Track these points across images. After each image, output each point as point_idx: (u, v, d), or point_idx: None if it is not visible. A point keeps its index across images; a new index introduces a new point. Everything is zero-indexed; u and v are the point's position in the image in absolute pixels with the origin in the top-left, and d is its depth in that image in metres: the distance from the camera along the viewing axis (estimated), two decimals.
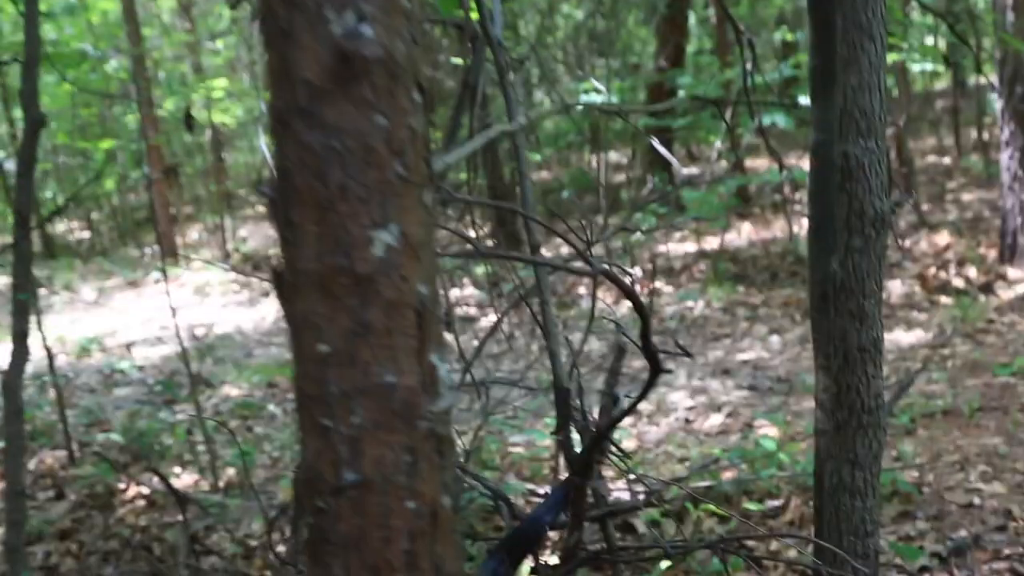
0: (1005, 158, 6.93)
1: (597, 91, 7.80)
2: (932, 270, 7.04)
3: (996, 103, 7.02)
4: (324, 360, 0.99)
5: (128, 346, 8.09)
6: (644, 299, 7.86)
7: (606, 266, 1.30)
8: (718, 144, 8.26)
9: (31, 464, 5.84)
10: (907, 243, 8.10)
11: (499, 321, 2.34)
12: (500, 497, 1.82)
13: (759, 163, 11.61)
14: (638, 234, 9.20)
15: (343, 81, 0.95)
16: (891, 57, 6.30)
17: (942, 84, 15.85)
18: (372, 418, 1.00)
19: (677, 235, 9.87)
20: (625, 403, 1.72)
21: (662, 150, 8.48)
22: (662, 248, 9.44)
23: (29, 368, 7.82)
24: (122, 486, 5.26)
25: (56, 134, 11.82)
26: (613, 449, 1.83)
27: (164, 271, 5.74)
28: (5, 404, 2.77)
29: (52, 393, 6.11)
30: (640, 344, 1.30)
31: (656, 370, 1.36)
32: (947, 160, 11.97)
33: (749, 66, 3.31)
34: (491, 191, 10.75)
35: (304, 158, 0.96)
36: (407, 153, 0.98)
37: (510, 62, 1.88)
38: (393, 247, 0.98)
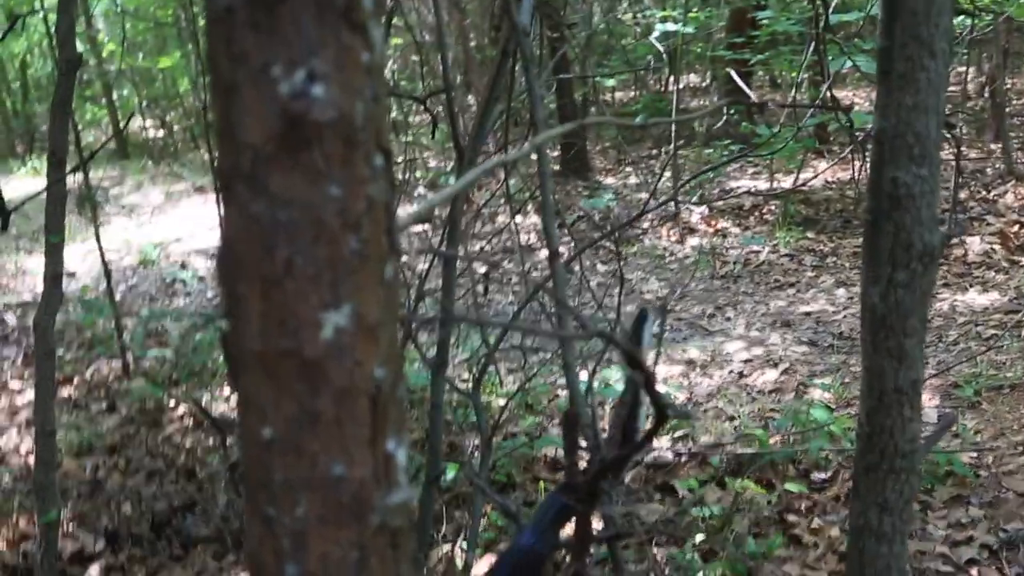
0: None
1: (674, 20, 7.50)
2: (1016, 227, 6.72)
3: None
4: (268, 446, 0.90)
5: (183, 263, 8.15)
6: (712, 240, 7.67)
7: (606, 329, 1.18)
8: (800, 78, 7.89)
9: (87, 374, 5.96)
10: (992, 195, 7.74)
11: (519, 312, 2.24)
12: (509, 514, 1.74)
13: (847, 98, 11.15)
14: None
15: (291, 147, 0.84)
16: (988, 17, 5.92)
17: None
18: (318, 511, 0.91)
19: (750, 171, 9.59)
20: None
21: (739, 82, 8.19)
22: (732, 183, 9.18)
23: (89, 274, 7.96)
24: (172, 404, 5.34)
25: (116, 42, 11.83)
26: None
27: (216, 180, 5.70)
28: (36, 346, 2.77)
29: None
30: (648, 396, 1.19)
31: (662, 417, 1.25)
32: None
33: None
34: (560, 112, 10.53)
35: (249, 229, 0.86)
36: (364, 226, 0.87)
37: (539, 53, 1.73)
38: (345, 329, 0.88)
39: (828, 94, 4.17)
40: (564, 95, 10.56)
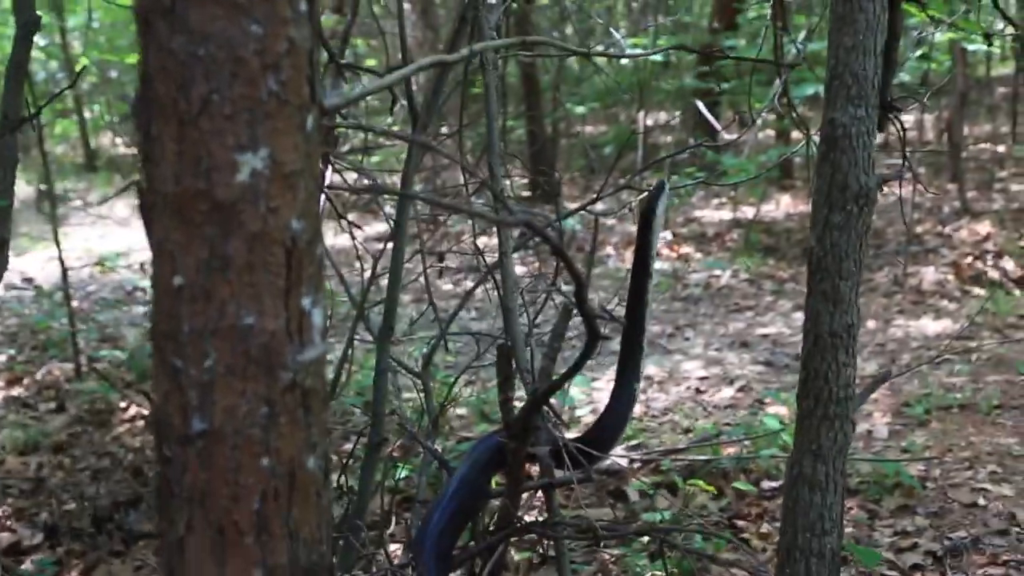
0: None
1: (644, 47, 7.59)
2: (969, 259, 6.81)
3: None
4: (178, 293, 0.89)
5: (142, 265, 8.08)
6: (675, 264, 7.72)
7: (530, 217, 1.18)
8: (763, 110, 7.99)
9: (39, 374, 5.87)
10: (947, 229, 7.85)
11: (474, 288, 2.23)
12: (440, 462, 1.72)
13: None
14: (674, 197, 9.01)
15: None
16: (947, 36, 6.06)
17: (1006, 69, 15.33)
18: (226, 362, 0.90)
19: (715, 201, 9.68)
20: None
21: (706, 113, 8.25)
22: (697, 213, 9.25)
23: (49, 280, 7.85)
24: (123, 405, 5.26)
25: (93, 49, 11.80)
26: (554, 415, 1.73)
27: None
28: None
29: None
30: (578, 308, 1.19)
31: (594, 336, 1.25)
32: (1001, 148, 11.58)
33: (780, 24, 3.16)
34: (530, 137, 10.59)
35: (166, 65, 0.85)
36: (283, 68, 0.87)
37: None
38: (261, 173, 0.87)
39: (790, 110, 4.20)
40: (535, 122, 10.63)
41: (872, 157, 1.46)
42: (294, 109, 0.88)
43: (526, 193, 10.43)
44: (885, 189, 2.12)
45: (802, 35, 7.68)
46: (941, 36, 6.37)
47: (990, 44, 3.19)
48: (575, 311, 1.51)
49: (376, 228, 9.00)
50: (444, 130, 3.36)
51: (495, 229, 2.50)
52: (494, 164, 1.55)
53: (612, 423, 1.91)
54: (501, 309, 1.66)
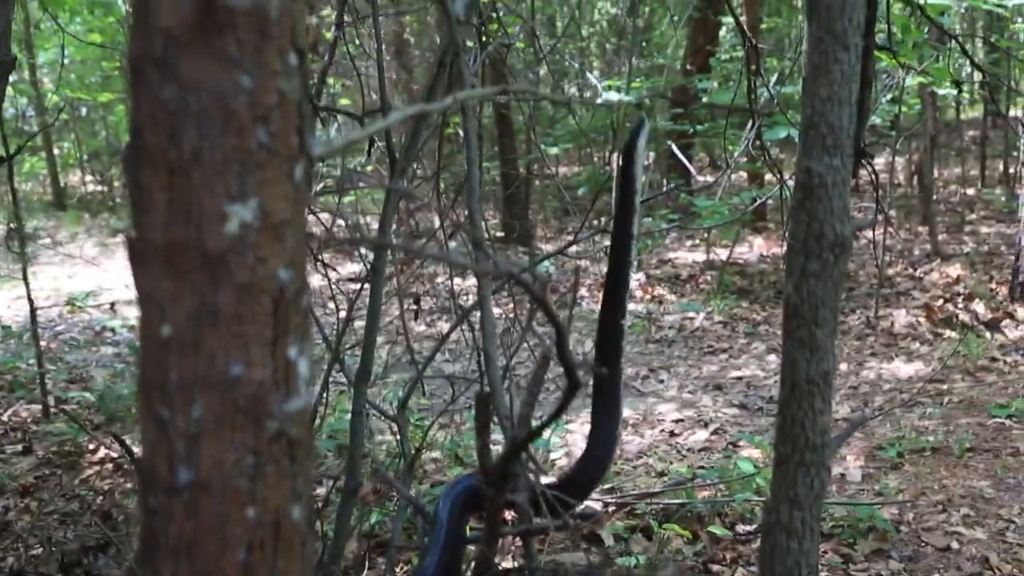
0: None
1: (618, 90, 7.67)
2: (940, 302, 6.89)
3: (1022, 138, 6.86)
4: (166, 343, 0.89)
5: (112, 304, 8.02)
6: (648, 306, 7.75)
7: (512, 268, 1.19)
8: (736, 155, 8.10)
9: (5, 416, 5.79)
10: (918, 272, 7.94)
11: (451, 330, 2.23)
12: (416, 507, 1.72)
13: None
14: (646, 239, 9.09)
15: (204, 32, 0.84)
16: (917, 80, 6.17)
17: (975, 113, 15.61)
18: (214, 413, 0.89)
19: (688, 243, 9.75)
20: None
21: (680, 156, 8.37)
22: (671, 255, 9.31)
23: (16, 320, 7.78)
24: (91, 447, 5.19)
25: (65, 86, 11.77)
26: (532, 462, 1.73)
27: None
28: None
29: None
30: (559, 357, 1.20)
31: (574, 385, 1.25)
32: (970, 191, 11.77)
33: (753, 67, 3.21)
34: (504, 181, 10.65)
35: (156, 115, 0.86)
36: (273, 119, 0.87)
37: (481, 42, 1.77)
38: (250, 224, 0.87)
39: (764, 155, 4.27)
40: (509, 163, 10.70)
41: (847, 206, 1.49)
42: (283, 160, 0.89)
43: (500, 234, 10.47)
44: (857, 232, 2.16)
45: (774, 78, 7.83)
46: (911, 80, 6.48)
47: (960, 91, 3.25)
48: (554, 358, 1.51)
49: (350, 268, 9.00)
50: (420, 172, 3.38)
51: (470, 271, 2.50)
52: (475, 211, 1.56)
53: (590, 468, 1.91)
54: (481, 354, 1.66)
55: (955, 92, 6.75)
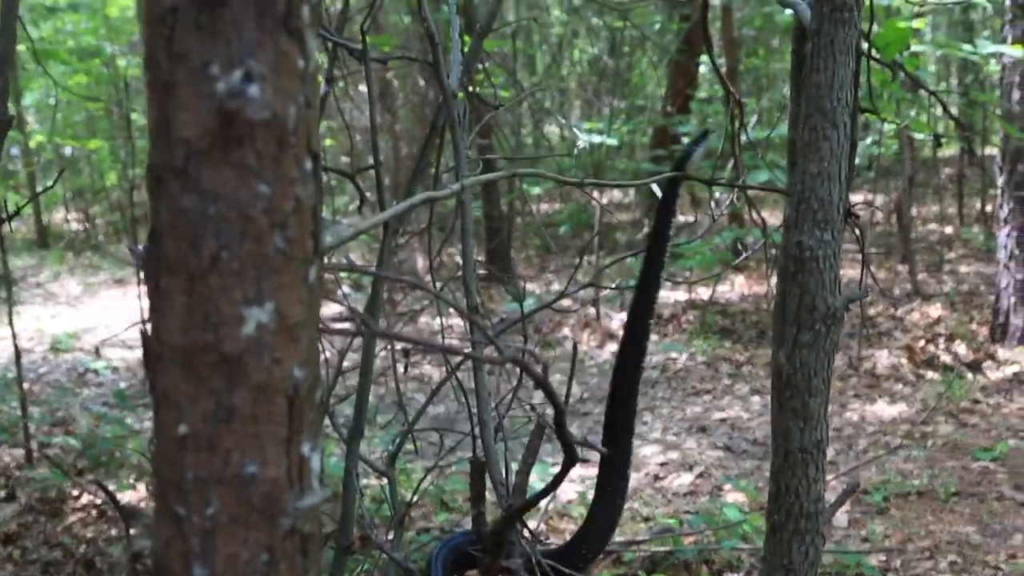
0: (1003, 236, 6.86)
1: (599, 131, 7.75)
2: (921, 343, 6.95)
3: (998, 178, 6.96)
4: (183, 442, 0.91)
5: (97, 349, 7.98)
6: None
7: (518, 354, 1.21)
8: (717, 195, 8.18)
9: None
10: (899, 312, 8.01)
11: (439, 388, 2.25)
12: (406, 572, 1.73)
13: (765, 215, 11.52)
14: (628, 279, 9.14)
15: (224, 144, 0.87)
16: (892, 125, 6.26)
17: (952, 151, 15.80)
18: (229, 510, 0.91)
19: (668, 283, 9.80)
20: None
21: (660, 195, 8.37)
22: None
23: (0, 361, 7.71)
24: (75, 493, 5.16)
25: (47, 133, 11.79)
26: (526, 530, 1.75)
27: (139, 271, 5.65)
28: None
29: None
30: (556, 434, 1.21)
31: (571, 459, 1.27)
32: (949, 229, 11.90)
33: (738, 124, 3.26)
34: (487, 220, 10.69)
35: (177, 223, 0.88)
36: (290, 226, 0.90)
37: (472, 110, 1.80)
38: (266, 326, 0.90)
39: (747, 204, 4.31)
40: (491, 203, 10.74)
41: (837, 279, 1.52)
42: (299, 263, 0.92)
43: (482, 271, 10.51)
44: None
45: (753, 119, 7.87)
46: (890, 126, 6.58)
47: (939, 145, 3.31)
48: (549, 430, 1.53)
49: (331, 308, 9.00)
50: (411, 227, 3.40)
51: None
52: (470, 285, 1.59)
53: (591, 540, 1.92)
54: (476, 422, 1.68)
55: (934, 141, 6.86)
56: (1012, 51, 5.58)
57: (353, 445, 2.31)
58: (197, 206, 0.87)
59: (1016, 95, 6.63)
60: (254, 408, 0.90)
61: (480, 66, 4.14)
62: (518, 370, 2.69)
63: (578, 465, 1.60)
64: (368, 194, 2.68)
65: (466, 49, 2.26)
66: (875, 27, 2.37)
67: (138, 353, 7.99)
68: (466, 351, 1.46)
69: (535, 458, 1.52)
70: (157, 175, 0.89)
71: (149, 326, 0.93)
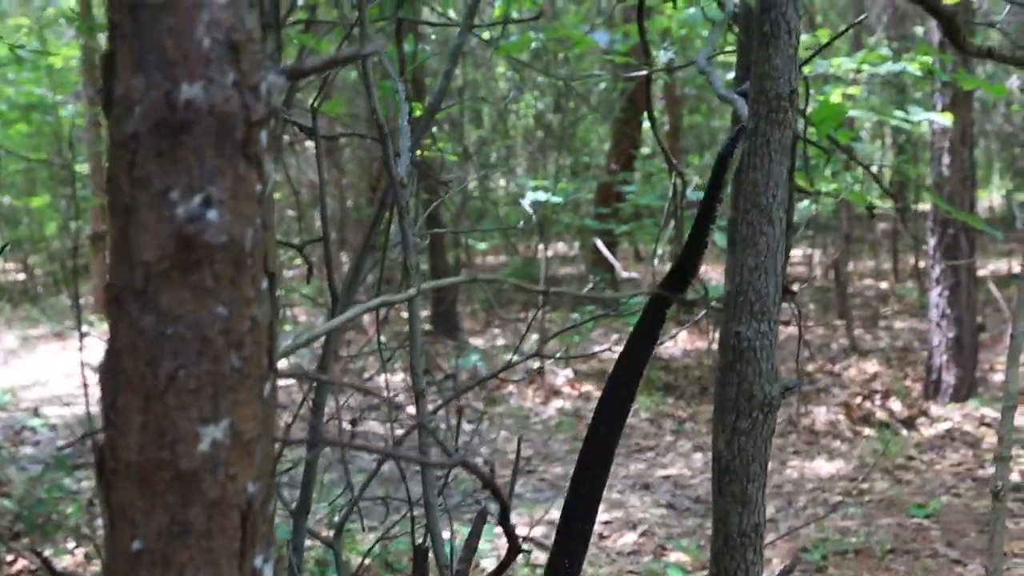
0: (935, 295, 7.06)
1: (544, 189, 7.85)
2: (858, 399, 7.09)
3: (930, 239, 7.17)
4: (137, 558, 0.92)
5: (36, 409, 7.83)
6: (576, 403, 7.83)
7: (463, 457, 1.24)
8: (659, 251, 8.33)
9: None
10: (837, 368, 8.17)
11: (382, 463, 2.26)
12: None
13: (704, 272, 11.70)
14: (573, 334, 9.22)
15: (183, 266, 0.90)
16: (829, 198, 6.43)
17: (886, 205, 16.21)
18: None
19: (614, 336, 9.88)
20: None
21: (605, 252, 8.54)
22: (596, 349, 9.43)
23: None
24: (9, 558, 5.04)
25: None
26: None
27: (79, 325, 5.57)
28: None
29: None
30: (501, 526, 1.24)
31: (514, 550, 1.30)
32: (884, 284, 12.18)
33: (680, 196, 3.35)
34: (433, 274, 10.72)
35: (135, 342, 0.90)
36: (246, 345, 0.93)
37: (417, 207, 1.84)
38: (221, 443, 0.92)
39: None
40: (437, 256, 10.79)
41: (774, 368, 1.58)
42: (254, 380, 0.94)
43: (427, 327, 10.52)
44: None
45: (694, 182, 8.03)
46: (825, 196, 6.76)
47: (872, 216, 3.43)
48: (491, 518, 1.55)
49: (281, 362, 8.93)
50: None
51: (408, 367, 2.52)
52: (416, 370, 1.62)
53: None
54: (423, 505, 1.70)
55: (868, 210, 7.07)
56: (941, 119, 5.78)
57: (300, 520, 2.31)
58: (155, 327, 0.89)
59: (946, 159, 6.86)
60: (208, 524, 0.92)
61: (430, 139, 4.20)
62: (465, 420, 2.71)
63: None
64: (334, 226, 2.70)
65: (422, 116, 2.31)
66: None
67: (77, 409, 7.85)
68: (413, 454, 1.47)
69: (477, 543, 1.54)
70: (116, 295, 0.91)
71: (103, 440, 0.95)
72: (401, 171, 1.69)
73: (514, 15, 3.69)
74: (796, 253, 14.20)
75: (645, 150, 12.14)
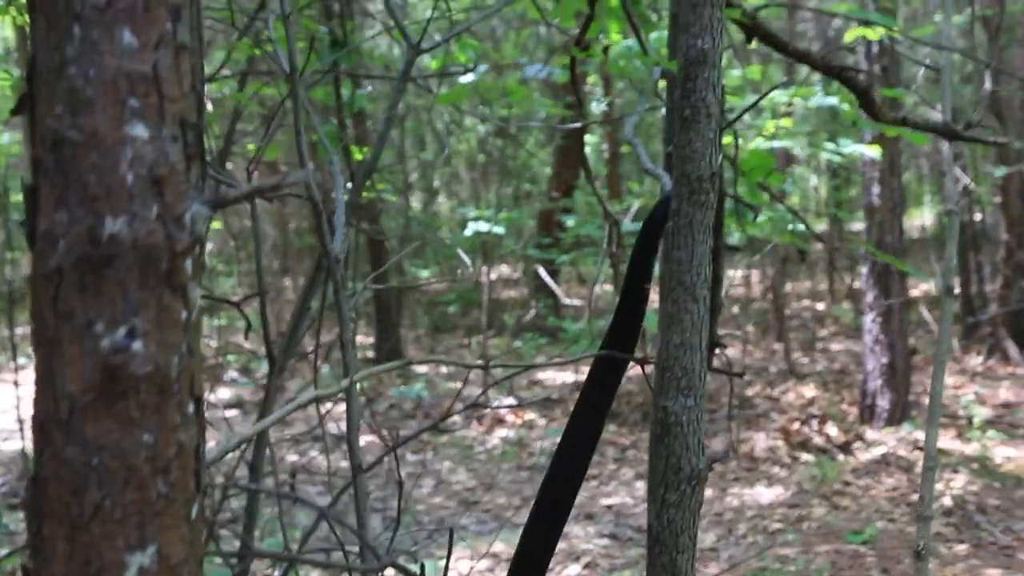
0: (868, 321, 7.21)
1: (486, 219, 7.89)
2: (796, 424, 7.20)
3: (863, 267, 7.33)
4: None
5: None
6: (519, 431, 7.85)
7: (395, 558, 1.26)
8: (600, 280, 8.40)
9: None
10: (775, 392, 8.29)
11: (318, 522, 2.26)
12: None
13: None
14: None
15: (108, 397, 0.91)
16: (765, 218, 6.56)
17: (822, 225, 16.50)
18: None
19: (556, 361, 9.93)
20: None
21: (547, 280, 8.58)
22: (540, 375, 9.47)
23: None
24: None
25: None
26: None
27: (15, 358, 5.49)
28: None
29: None
30: None
31: None
32: (821, 306, 12.40)
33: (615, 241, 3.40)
34: (376, 303, 10.70)
35: (60, 472, 0.91)
36: (172, 470, 0.94)
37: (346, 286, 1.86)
38: (148, 569, 0.93)
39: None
40: (378, 280, 10.77)
41: (701, 442, 1.62)
42: (181, 504, 0.95)
43: (371, 354, 10.49)
44: (717, 351, 2.30)
45: (634, 208, 8.08)
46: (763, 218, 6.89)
47: (804, 260, 3.51)
48: None
49: (221, 393, 8.86)
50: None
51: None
52: (354, 446, 1.63)
53: None
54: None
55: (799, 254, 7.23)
56: (869, 151, 5.93)
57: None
58: (80, 457, 0.90)
59: (876, 189, 7.03)
60: None
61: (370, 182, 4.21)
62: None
63: None
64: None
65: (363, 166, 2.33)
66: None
67: (14, 445, 7.68)
68: (348, 566, 1.48)
69: None
70: (41, 426, 0.92)
71: (29, 563, 0.95)
72: (336, 246, 1.70)
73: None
74: (735, 274, 14.42)
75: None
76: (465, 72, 2.92)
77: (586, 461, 1.83)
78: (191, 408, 0.96)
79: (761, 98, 2.52)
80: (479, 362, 1.62)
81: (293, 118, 1.82)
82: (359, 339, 9.48)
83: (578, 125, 2.96)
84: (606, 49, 3.14)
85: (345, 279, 1.75)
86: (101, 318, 0.90)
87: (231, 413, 8.61)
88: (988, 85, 2.43)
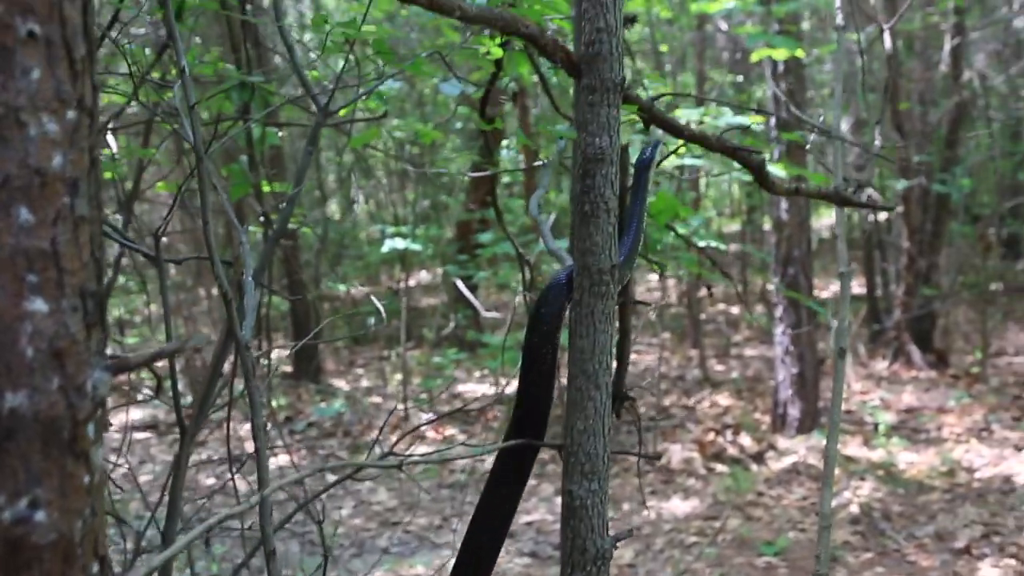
0: (779, 332, 7.40)
1: (403, 236, 7.89)
2: (711, 435, 7.36)
3: (774, 279, 7.51)
4: None
5: None
6: (438, 446, 7.88)
7: None
8: (520, 292, 8.47)
9: None
10: (692, 401, 8.45)
11: (244, 562, 2.27)
12: None
13: None
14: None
15: (11, 569, 0.92)
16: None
17: (736, 225, 16.79)
18: None
19: (477, 374, 9.99)
20: None
21: (467, 293, 8.61)
22: (460, 388, 9.50)
23: None
24: None
25: None
26: None
27: None
28: None
29: None
30: None
31: None
32: (735, 310, 12.64)
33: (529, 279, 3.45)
34: (292, 315, 10.62)
35: None
36: None
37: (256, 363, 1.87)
38: None
39: None
40: (295, 287, 10.68)
41: (605, 523, 1.67)
42: None
43: (288, 368, 10.41)
44: (634, 356, 2.37)
45: (551, 220, 8.11)
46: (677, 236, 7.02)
47: (711, 296, 3.61)
48: None
49: (135, 414, 8.70)
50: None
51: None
52: (265, 509, 1.65)
53: None
54: None
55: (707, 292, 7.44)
56: (776, 170, 6.09)
57: None
58: None
59: (784, 205, 7.22)
60: None
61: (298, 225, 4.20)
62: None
63: None
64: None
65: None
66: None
67: None
68: None
69: None
70: None
71: None
72: (246, 335, 1.72)
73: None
74: (650, 277, 14.61)
75: (506, 179, 12.30)
76: (376, 119, 2.94)
77: (498, 546, 1.87)
78: (95, 568, 0.97)
79: (672, 152, 2.60)
80: (391, 462, 1.64)
81: (200, 200, 1.83)
82: (274, 353, 9.41)
83: (489, 173, 3.01)
84: (514, 96, 3.18)
85: (254, 366, 1.77)
86: (3, 491, 0.91)
87: (145, 435, 8.49)
88: (877, 142, 2.54)
